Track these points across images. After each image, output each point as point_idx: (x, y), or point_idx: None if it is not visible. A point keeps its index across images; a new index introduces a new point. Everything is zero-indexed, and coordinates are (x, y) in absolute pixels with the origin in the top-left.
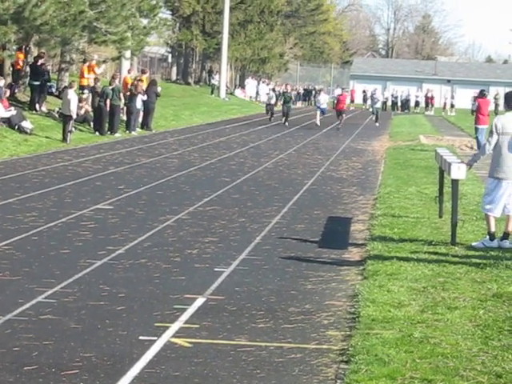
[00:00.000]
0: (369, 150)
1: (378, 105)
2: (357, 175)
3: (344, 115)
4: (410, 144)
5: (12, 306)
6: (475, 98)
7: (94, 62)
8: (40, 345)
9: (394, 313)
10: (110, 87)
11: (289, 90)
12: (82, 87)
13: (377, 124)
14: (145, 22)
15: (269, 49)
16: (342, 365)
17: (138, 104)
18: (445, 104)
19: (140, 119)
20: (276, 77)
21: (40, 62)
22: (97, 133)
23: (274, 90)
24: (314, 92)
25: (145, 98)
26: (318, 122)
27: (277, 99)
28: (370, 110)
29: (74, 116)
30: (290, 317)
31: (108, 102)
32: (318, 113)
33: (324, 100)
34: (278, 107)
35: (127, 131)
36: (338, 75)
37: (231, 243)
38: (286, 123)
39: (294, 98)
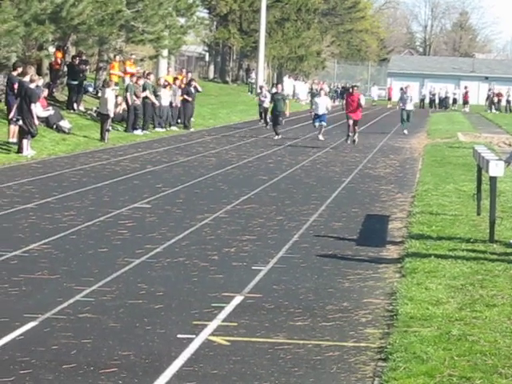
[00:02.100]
0: (406, 148)
1: (409, 106)
2: (394, 173)
3: (355, 123)
4: (447, 141)
5: (51, 305)
6: None
7: (131, 61)
8: (78, 343)
9: (432, 310)
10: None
11: (279, 90)
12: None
13: (405, 131)
14: (182, 20)
15: (306, 47)
16: (380, 363)
17: (167, 102)
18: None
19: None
20: (313, 75)
21: (78, 61)
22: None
23: (311, 88)
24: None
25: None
26: (321, 136)
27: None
28: (400, 113)
29: (112, 115)
30: (328, 315)
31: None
32: (317, 124)
33: (323, 104)
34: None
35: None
36: (376, 73)
37: (269, 241)
38: (276, 136)
39: (287, 101)
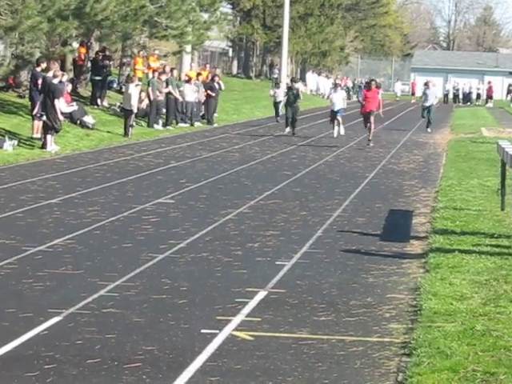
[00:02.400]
0: (430, 143)
1: (431, 101)
2: (418, 168)
3: (372, 122)
4: (471, 136)
5: (75, 300)
6: None
7: (155, 56)
8: (103, 338)
9: (456, 306)
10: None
11: (295, 86)
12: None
13: (428, 130)
14: (205, 16)
15: (329, 42)
16: (403, 358)
17: (192, 97)
18: None
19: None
20: (337, 70)
21: (101, 57)
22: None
23: (335, 84)
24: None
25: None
26: (336, 133)
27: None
28: (422, 109)
29: (135, 110)
30: (352, 310)
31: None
32: (335, 120)
33: (339, 99)
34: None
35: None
36: (399, 68)
37: (292, 236)
38: (293, 132)
39: (301, 97)
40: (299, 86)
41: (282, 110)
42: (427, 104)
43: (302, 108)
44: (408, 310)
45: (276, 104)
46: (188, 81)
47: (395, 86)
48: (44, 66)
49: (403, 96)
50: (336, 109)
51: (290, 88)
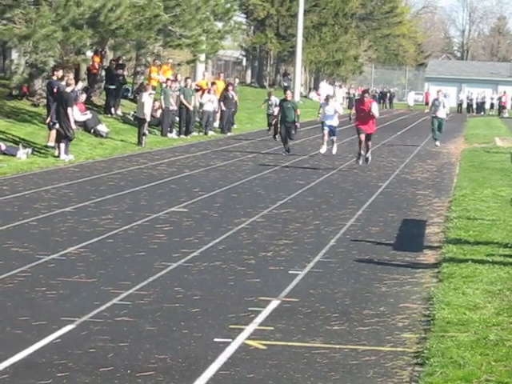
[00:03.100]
0: (444, 153)
1: (442, 113)
2: (432, 178)
3: (367, 138)
4: (485, 146)
5: (88, 308)
6: None
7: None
8: (115, 346)
9: (469, 315)
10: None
11: (289, 97)
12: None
13: (437, 143)
14: (219, 25)
15: (343, 51)
16: (416, 367)
17: (210, 107)
18: None
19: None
20: (350, 79)
21: (114, 65)
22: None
23: (348, 93)
24: (388, 95)
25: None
26: (324, 149)
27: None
28: (431, 121)
29: (148, 119)
30: (365, 319)
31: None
32: (326, 132)
33: (332, 110)
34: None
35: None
36: (413, 78)
37: (306, 246)
38: (286, 152)
39: (298, 110)
40: (312, 95)
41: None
42: (440, 116)
43: (314, 117)
44: (421, 320)
45: (269, 117)
46: (197, 90)
47: (408, 96)
48: (60, 74)
49: (417, 106)
50: (328, 123)
51: (284, 100)
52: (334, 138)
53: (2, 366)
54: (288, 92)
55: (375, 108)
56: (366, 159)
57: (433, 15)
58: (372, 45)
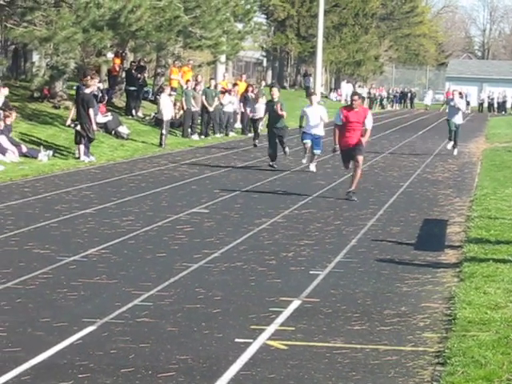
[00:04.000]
0: (465, 152)
1: (458, 118)
2: (453, 177)
3: (359, 163)
4: (506, 145)
5: (109, 310)
6: None
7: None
8: (137, 347)
9: (491, 315)
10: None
11: (276, 97)
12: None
13: (455, 152)
14: (239, 26)
15: (364, 51)
16: (438, 367)
17: (230, 108)
18: None
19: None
20: (371, 79)
21: (134, 67)
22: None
23: (369, 93)
24: (409, 94)
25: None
26: (312, 166)
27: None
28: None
29: (165, 119)
30: (386, 319)
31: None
32: (308, 145)
33: (316, 118)
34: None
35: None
36: (434, 77)
37: (327, 246)
38: (287, 149)
39: (284, 116)
40: (333, 95)
41: (261, 131)
42: (457, 121)
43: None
44: (442, 319)
45: (254, 122)
46: (224, 91)
47: (426, 95)
48: (90, 79)
49: (436, 105)
50: (311, 131)
51: (271, 101)
52: (318, 152)
53: (24, 367)
54: (274, 89)
55: (370, 120)
56: (349, 193)
57: (453, 15)
58: (393, 45)
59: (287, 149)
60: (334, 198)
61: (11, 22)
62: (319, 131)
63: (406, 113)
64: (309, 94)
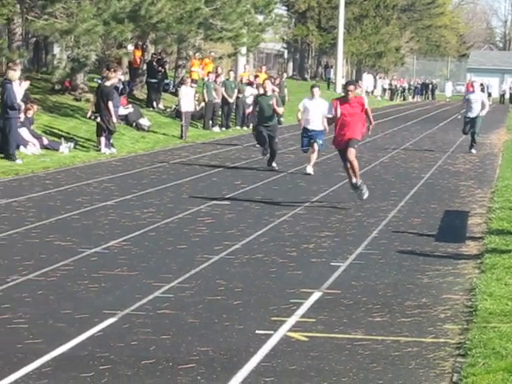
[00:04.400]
0: (486, 144)
1: (476, 111)
2: (474, 168)
3: (352, 158)
4: None
5: (130, 301)
6: None
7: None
8: (157, 339)
9: None
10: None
11: (268, 90)
12: (191, 81)
13: (473, 150)
14: (260, 18)
15: (385, 43)
16: (458, 358)
17: (251, 100)
18: None
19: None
20: (392, 71)
21: (155, 60)
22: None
23: (390, 84)
24: (431, 86)
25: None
26: (310, 169)
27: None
28: (463, 123)
29: (183, 110)
30: (407, 310)
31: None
32: (307, 148)
33: (316, 114)
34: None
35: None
36: (455, 69)
37: (347, 237)
38: (274, 164)
39: (280, 113)
40: (318, 91)
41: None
42: (471, 115)
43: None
44: (463, 311)
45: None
46: (249, 84)
47: (446, 87)
48: (120, 72)
49: (457, 96)
50: (311, 127)
51: (262, 95)
52: (320, 142)
53: (45, 359)
54: (266, 82)
55: (367, 101)
56: (357, 189)
57: (475, 6)
58: (414, 36)
59: (274, 164)
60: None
61: (32, 15)
62: (319, 126)
63: (427, 104)
64: (312, 86)
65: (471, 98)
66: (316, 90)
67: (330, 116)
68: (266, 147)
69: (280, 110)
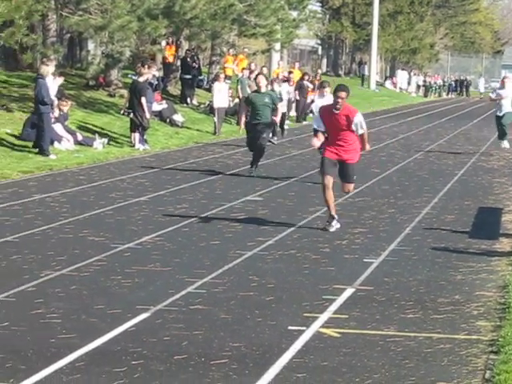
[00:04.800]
0: None
1: (507, 107)
2: (508, 165)
3: (350, 186)
4: None
5: (163, 297)
6: None
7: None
8: (190, 334)
9: None
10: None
11: (262, 86)
12: (225, 77)
13: (504, 144)
14: (294, 14)
15: (419, 39)
16: (491, 355)
17: (285, 96)
18: None
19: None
20: (426, 67)
21: (189, 56)
22: None
23: (425, 81)
24: (465, 82)
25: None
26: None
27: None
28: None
29: (216, 106)
30: (440, 307)
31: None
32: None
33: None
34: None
35: None
36: (490, 65)
37: (381, 234)
38: (253, 169)
39: (278, 106)
40: (388, 83)
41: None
42: (501, 113)
43: (390, 105)
44: (496, 308)
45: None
46: (285, 80)
47: (479, 83)
48: (154, 69)
49: (489, 93)
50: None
51: (257, 92)
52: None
53: (78, 353)
54: (260, 76)
55: (360, 122)
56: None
57: (510, 2)
58: (448, 32)
59: (254, 169)
60: (388, 186)
61: (66, 11)
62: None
63: (462, 101)
64: (322, 85)
65: (501, 93)
66: (326, 90)
67: (321, 129)
68: (254, 160)
69: (278, 108)
